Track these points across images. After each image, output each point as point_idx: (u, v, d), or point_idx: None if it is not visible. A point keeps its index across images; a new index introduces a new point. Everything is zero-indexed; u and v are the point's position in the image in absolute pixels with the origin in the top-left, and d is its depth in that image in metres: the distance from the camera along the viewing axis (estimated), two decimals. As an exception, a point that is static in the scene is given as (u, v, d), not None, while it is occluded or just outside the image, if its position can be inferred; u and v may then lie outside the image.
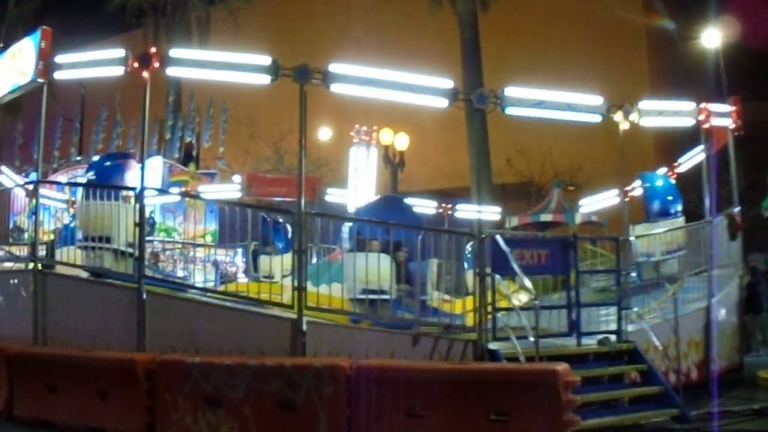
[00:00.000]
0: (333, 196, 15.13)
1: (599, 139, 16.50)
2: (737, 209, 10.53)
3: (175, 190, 14.60)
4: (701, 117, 9.70)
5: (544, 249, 7.77)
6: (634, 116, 8.86)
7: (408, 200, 9.48)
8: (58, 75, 8.18)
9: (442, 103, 8.13)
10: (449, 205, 15.92)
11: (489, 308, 7.21)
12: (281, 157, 23.34)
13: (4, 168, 13.71)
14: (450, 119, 17.88)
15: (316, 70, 7.63)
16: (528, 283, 7.09)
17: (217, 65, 7.79)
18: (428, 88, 8.11)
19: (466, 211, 15.63)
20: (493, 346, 7.14)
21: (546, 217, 16.00)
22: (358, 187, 12.84)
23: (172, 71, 8.07)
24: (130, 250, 7.84)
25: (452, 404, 5.95)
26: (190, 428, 6.49)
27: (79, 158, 16.62)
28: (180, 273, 11.02)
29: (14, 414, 7.39)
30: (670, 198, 10.72)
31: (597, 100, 8.75)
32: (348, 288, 7.81)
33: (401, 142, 15.91)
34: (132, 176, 8.42)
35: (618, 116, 8.78)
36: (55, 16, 19.34)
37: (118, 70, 7.83)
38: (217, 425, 6.42)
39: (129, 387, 6.73)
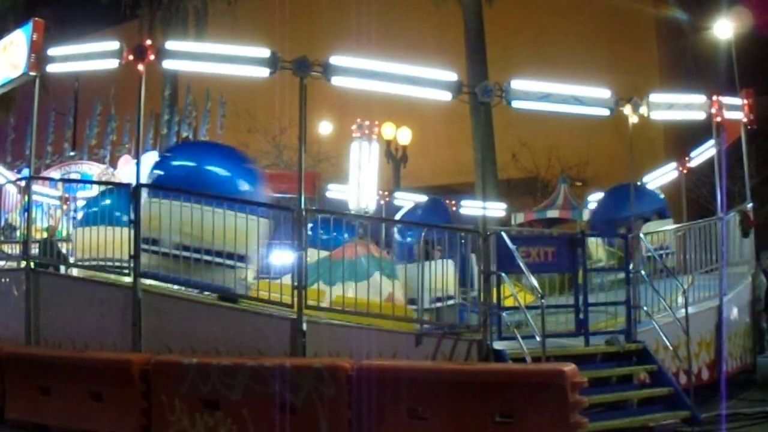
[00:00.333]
0: (334, 192, 14.98)
1: (607, 134, 16.26)
2: (750, 205, 10.36)
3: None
4: (713, 110, 9.48)
5: (551, 246, 7.66)
6: (643, 109, 8.66)
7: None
8: (51, 68, 8.01)
9: (446, 96, 7.95)
10: (453, 202, 15.76)
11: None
12: (281, 152, 23.16)
13: (-5, 164, 13.61)
14: (454, 113, 17.68)
15: (317, 63, 7.47)
16: (534, 281, 6.95)
17: (214, 58, 7.62)
18: (431, 81, 7.93)
19: (471, 208, 15.48)
20: (498, 345, 7.04)
21: (552, 214, 15.85)
22: (360, 184, 12.71)
23: (168, 64, 7.88)
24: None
25: (456, 405, 5.86)
26: (186, 430, 6.38)
27: (72, 153, 16.47)
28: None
29: (6, 417, 7.26)
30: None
31: (605, 93, 8.55)
32: (413, 296, 7.60)
33: (404, 136, 15.76)
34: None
35: (627, 110, 8.58)
36: (47, 8, 19.16)
37: (113, 63, 7.66)
38: (214, 427, 6.30)
39: (124, 388, 6.60)
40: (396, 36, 24.57)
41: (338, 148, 18.59)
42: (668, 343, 7.79)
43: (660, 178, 12.67)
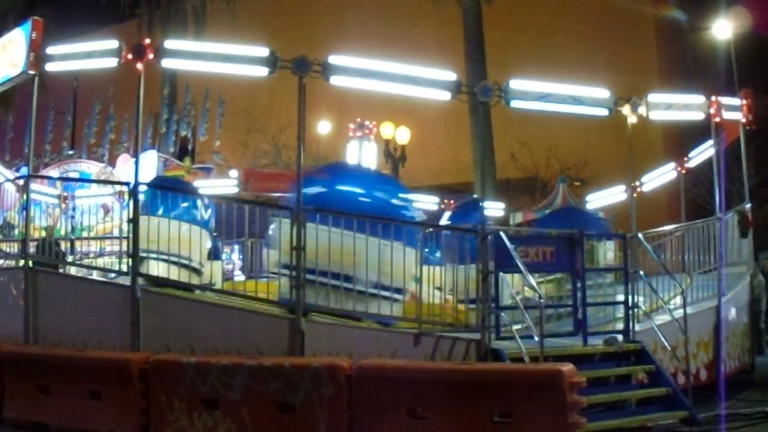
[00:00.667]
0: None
1: (606, 134, 16.23)
2: (748, 206, 10.36)
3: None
4: (711, 110, 9.49)
5: (550, 246, 7.63)
6: (642, 110, 8.66)
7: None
8: (50, 67, 8.01)
9: (445, 96, 7.94)
10: (452, 201, 15.74)
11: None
12: (279, 151, 23.14)
13: (-7, 162, 13.60)
14: (453, 113, 17.66)
15: (315, 62, 7.46)
16: (532, 280, 6.94)
17: (213, 57, 7.62)
18: (430, 80, 7.92)
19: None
20: (496, 345, 7.01)
21: (551, 214, 15.76)
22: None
23: (167, 63, 7.89)
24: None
25: (455, 405, 5.84)
26: (185, 430, 6.36)
27: (71, 152, 16.47)
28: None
29: (5, 416, 7.24)
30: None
31: (604, 93, 8.56)
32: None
33: (402, 136, 15.73)
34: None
35: (626, 110, 8.58)
36: (46, 6, 19.15)
37: (112, 62, 7.66)
38: (213, 427, 6.29)
39: (123, 388, 6.59)
40: (395, 36, 24.55)
41: (337, 147, 18.59)
42: (666, 344, 7.76)
43: (659, 178, 12.69)
